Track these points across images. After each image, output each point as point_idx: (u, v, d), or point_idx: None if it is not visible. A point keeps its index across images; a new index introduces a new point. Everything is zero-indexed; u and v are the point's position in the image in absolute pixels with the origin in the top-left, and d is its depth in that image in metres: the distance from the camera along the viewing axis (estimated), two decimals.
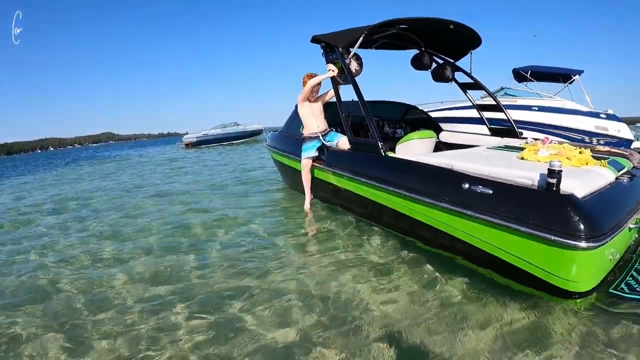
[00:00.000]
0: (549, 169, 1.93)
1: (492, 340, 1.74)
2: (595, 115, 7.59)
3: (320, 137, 4.04)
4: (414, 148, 3.62)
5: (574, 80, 8.52)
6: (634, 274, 2.14)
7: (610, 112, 7.64)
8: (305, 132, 4.12)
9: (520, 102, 8.53)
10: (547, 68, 9.01)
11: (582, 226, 1.79)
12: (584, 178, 2.11)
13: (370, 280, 2.41)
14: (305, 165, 4.09)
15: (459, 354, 1.67)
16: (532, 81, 9.20)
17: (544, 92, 8.77)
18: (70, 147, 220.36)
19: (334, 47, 3.73)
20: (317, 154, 4.05)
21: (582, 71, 8.48)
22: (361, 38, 3.53)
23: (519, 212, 1.99)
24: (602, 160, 2.45)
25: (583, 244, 1.77)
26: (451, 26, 3.65)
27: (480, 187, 2.19)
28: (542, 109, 8.15)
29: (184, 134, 25.65)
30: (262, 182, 6.46)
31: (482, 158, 2.73)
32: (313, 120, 4.08)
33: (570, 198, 1.91)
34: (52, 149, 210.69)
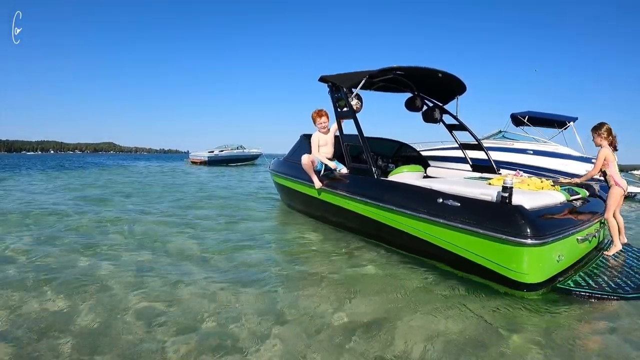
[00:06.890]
0: (502, 186, 2.37)
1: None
2: (587, 160, 7.86)
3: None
4: (403, 180, 3.94)
5: (568, 126, 8.92)
6: (582, 274, 2.57)
7: None
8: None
9: (517, 145, 8.87)
10: (544, 114, 9.39)
11: (527, 228, 2.21)
12: (533, 196, 2.57)
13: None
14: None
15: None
16: (529, 126, 9.57)
17: (540, 137, 9.08)
18: (70, 152, 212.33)
19: (339, 87, 4.11)
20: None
21: (577, 118, 8.86)
22: (363, 80, 3.94)
23: (480, 219, 2.42)
24: (556, 186, 2.96)
25: (528, 241, 2.18)
26: (439, 74, 4.06)
27: (450, 201, 2.64)
28: (537, 152, 8.47)
29: (186, 152, 25.37)
30: None
31: (456, 182, 3.17)
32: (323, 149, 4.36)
33: (519, 208, 2.34)
34: (52, 152, 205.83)
